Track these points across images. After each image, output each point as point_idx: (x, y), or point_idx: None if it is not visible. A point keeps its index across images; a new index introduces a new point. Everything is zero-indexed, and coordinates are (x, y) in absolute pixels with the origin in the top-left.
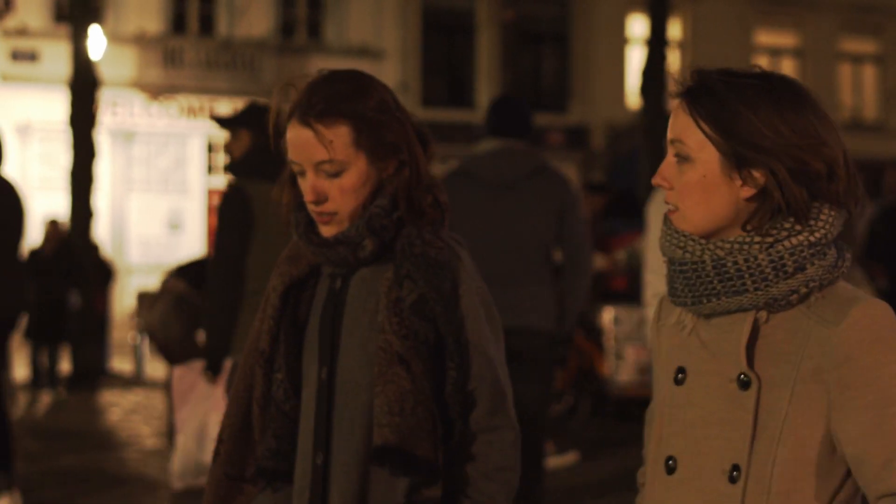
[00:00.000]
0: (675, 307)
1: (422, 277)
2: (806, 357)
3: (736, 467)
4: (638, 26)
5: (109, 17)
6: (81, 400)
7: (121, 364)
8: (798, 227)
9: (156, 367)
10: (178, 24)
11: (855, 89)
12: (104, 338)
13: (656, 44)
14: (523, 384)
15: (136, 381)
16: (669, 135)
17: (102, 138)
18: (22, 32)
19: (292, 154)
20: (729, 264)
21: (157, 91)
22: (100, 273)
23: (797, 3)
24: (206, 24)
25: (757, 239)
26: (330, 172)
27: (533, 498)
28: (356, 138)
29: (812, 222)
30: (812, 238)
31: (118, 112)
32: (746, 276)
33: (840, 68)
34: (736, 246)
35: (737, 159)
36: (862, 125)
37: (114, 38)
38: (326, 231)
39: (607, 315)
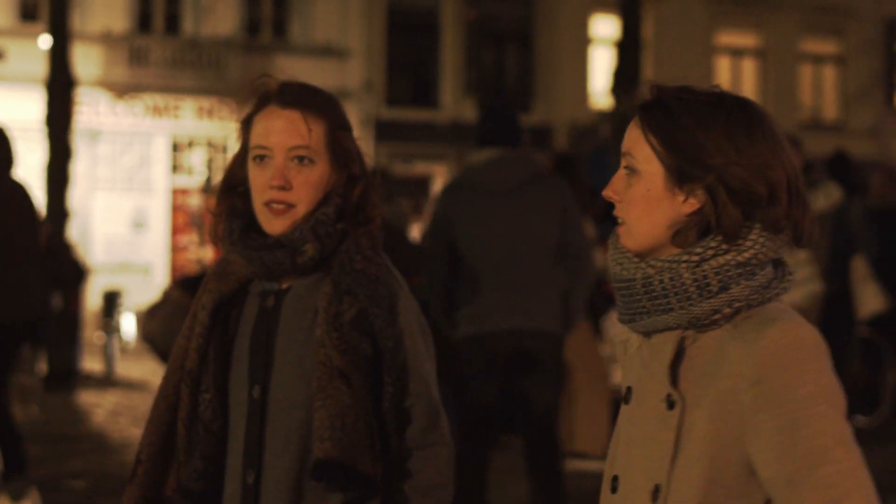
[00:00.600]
0: None
1: (362, 293)
2: (724, 376)
3: (658, 487)
4: (601, 26)
5: (76, 15)
6: (61, 401)
7: (90, 364)
8: (724, 247)
9: (127, 367)
10: (143, 22)
11: (815, 90)
12: (76, 338)
13: (628, 45)
14: (538, 390)
15: (108, 381)
16: (622, 147)
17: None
18: None
19: (264, 139)
20: (656, 282)
21: (122, 90)
22: (74, 273)
23: (759, 4)
24: (172, 23)
25: (685, 258)
26: (301, 161)
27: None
28: (329, 138)
29: (740, 242)
30: (740, 258)
31: (84, 111)
32: (671, 294)
33: (801, 69)
34: (666, 265)
35: (679, 175)
36: (822, 125)
37: (80, 36)
38: (278, 224)
39: (607, 319)
